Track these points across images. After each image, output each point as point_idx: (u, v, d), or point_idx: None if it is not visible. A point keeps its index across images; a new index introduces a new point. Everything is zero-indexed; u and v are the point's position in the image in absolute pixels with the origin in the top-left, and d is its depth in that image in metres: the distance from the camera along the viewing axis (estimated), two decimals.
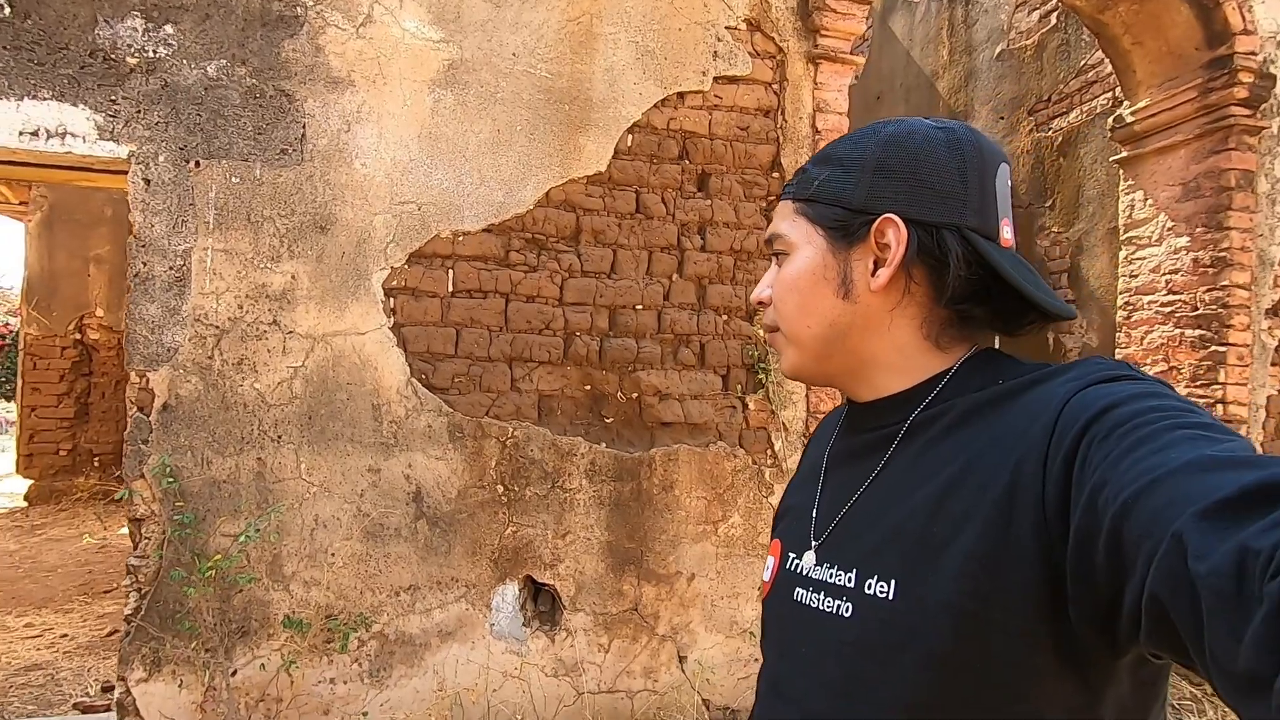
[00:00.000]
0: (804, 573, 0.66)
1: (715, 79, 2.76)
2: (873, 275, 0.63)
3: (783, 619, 0.67)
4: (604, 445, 2.67)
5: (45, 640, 3.78)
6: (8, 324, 10.37)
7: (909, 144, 0.62)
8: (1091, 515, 0.45)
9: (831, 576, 0.62)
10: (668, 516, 2.72)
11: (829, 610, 0.61)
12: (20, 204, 6.67)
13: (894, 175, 0.62)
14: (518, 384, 2.60)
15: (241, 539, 2.29)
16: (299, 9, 2.38)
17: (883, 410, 0.66)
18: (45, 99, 2.20)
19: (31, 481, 6.53)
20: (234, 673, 2.32)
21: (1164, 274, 3.60)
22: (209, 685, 2.29)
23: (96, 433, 6.68)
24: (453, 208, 2.51)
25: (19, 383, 6.63)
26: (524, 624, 2.59)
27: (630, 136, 2.68)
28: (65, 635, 3.84)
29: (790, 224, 0.68)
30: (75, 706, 2.93)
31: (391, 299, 2.47)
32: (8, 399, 10.18)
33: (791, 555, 0.69)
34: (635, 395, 2.72)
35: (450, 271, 2.53)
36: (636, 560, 2.68)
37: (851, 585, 0.60)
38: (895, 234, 0.61)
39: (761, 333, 2.74)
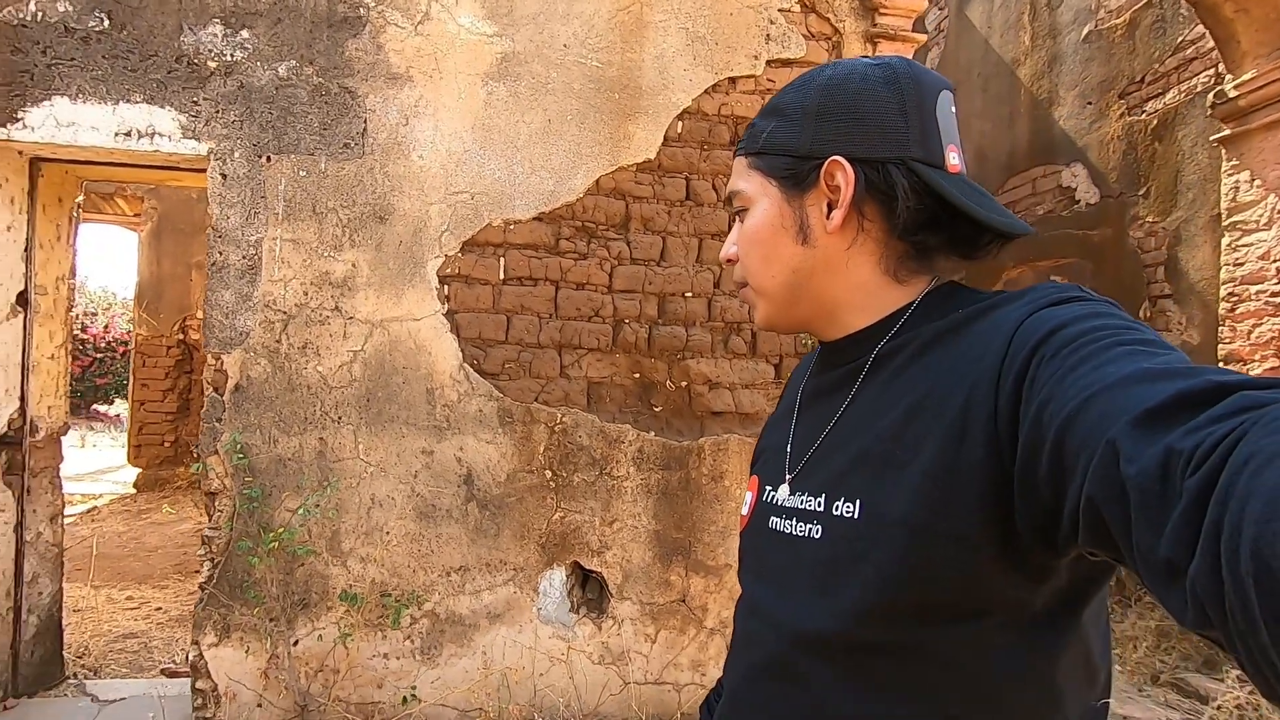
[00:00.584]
0: (778, 503, 0.69)
1: (768, 62, 2.71)
2: (827, 218, 0.65)
3: (759, 548, 0.71)
4: (652, 433, 2.65)
5: (142, 612, 4.08)
6: (128, 331, 11.36)
7: (847, 85, 0.64)
8: (1037, 429, 0.48)
9: (803, 503, 0.66)
10: (717, 507, 2.67)
11: (801, 534, 0.65)
12: (134, 216, 7.30)
13: (835, 118, 0.64)
14: (567, 370, 2.62)
15: (301, 514, 2.39)
16: (361, 10, 2.49)
17: (849, 346, 0.69)
18: (137, 102, 2.39)
19: (139, 470, 7.09)
20: (295, 642, 2.42)
21: (1274, 261, 3.27)
22: (272, 653, 2.40)
23: (195, 426, 7.18)
24: (504, 197, 2.56)
25: (131, 380, 7.22)
26: (571, 610, 2.59)
27: (680, 123, 2.66)
28: (159, 608, 4.13)
29: (745, 180, 0.70)
30: (162, 671, 3.14)
31: (445, 286, 2.55)
32: (108, 401, 11.12)
33: (768, 488, 0.72)
34: (685, 383, 2.69)
35: (502, 259, 2.58)
36: (684, 550, 2.64)
37: (820, 509, 0.63)
38: (843, 175, 0.63)
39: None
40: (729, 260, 0.74)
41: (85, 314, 12.06)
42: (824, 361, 0.73)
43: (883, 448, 0.60)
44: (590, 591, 2.68)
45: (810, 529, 0.64)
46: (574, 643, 2.57)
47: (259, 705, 2.39)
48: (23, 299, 2.57)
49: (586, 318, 2.63)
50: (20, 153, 2.48)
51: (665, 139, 2.66)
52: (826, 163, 0.64)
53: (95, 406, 11.96)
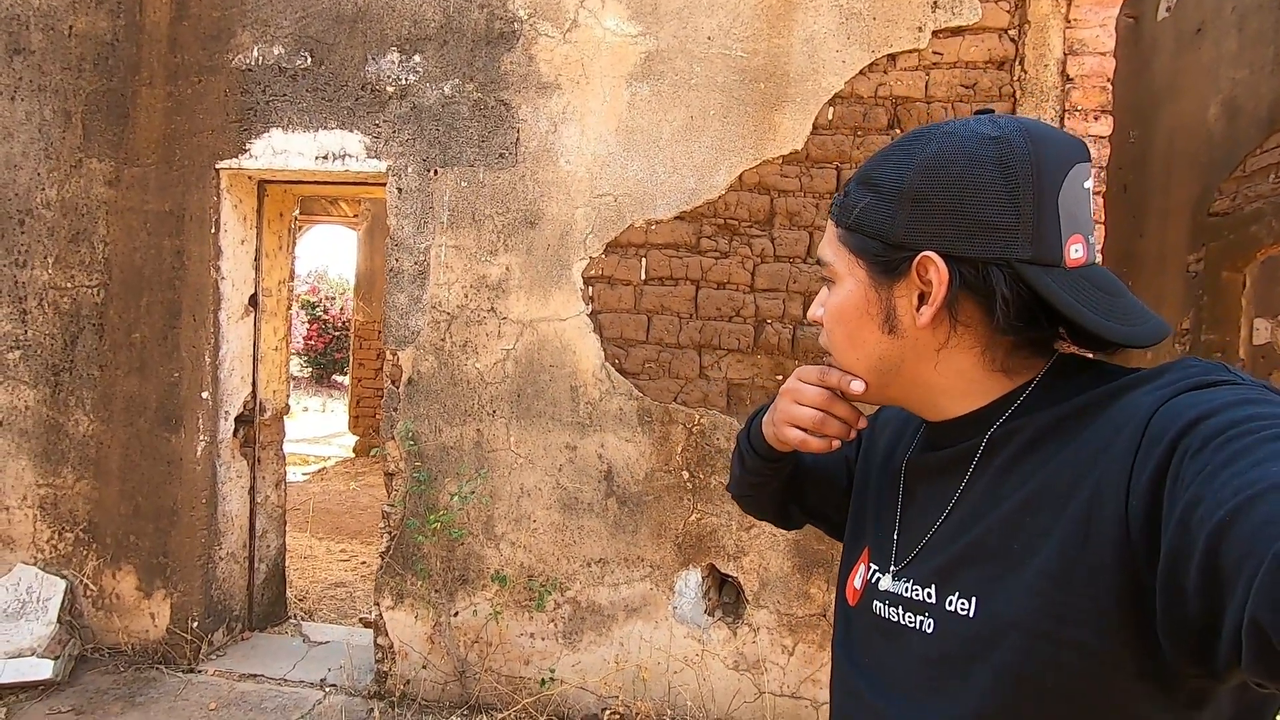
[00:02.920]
0: (880, 585, 0.67)
1: (934, 33, 2.43)
2: (917, 311, 0.60)
3: (865, 629, 0.68)
4: None
5: (351, 565, 4.73)
6: (343, 310, 13.18)
7: (951, 169, 0.57)
8: (1184, 534, 0.43)
9: (908, 591, 0.62)
10: None
11: (910, 625, 0.61)
12: (354, 217, 8.38)
13: (934, 207, 0.57)
14: (706, 371, 2.59)
15: (460, 498, 2.62)
16: (515, 24, 2.61)
17: (959, 427, 0.63)
18: (332, 128, 2.72)
19: (358, 438, 8.20)
20: (455, 614, 2.67)
21: None
22: (436, 621, 2.67)
23: None
24: (646, 197, 2.57)
25: (351, 359, 8.36)
26: (706, 612, 2.59)
27: (831, 109, 2.49)
28: (364, 562, 4.76)
29: (834, 251, 0.65)
30: (360, 620, 3.62)
31: (589, 287, 2.62)
32: (344, 373, 12.90)
33: (875, 567, 0.69)
34: None
35: (643, 260, 2.60)
36: (827, 563, 2.52)
37: (933, 601, 0.60)
38: (936, 273, 0.58)
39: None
40: (814, 321, 0.70)
41: (326, 298, 14.14)
42: (930, 438, 0.68)
43: (998, 541, 0.56)
44: (726, 596, 2.65)
45: (921, 621, 0.60)
46: (708, 645, 2.56)
47: (425, 666, 2.68)
48: (253, 300, 3.06)
49: (727, 318, 2.58)
50: (249, 177, 2.93)
51: (814, 127, 2.50)
52: (919, 257, 0.58)
53: (334, 377, 14.02)
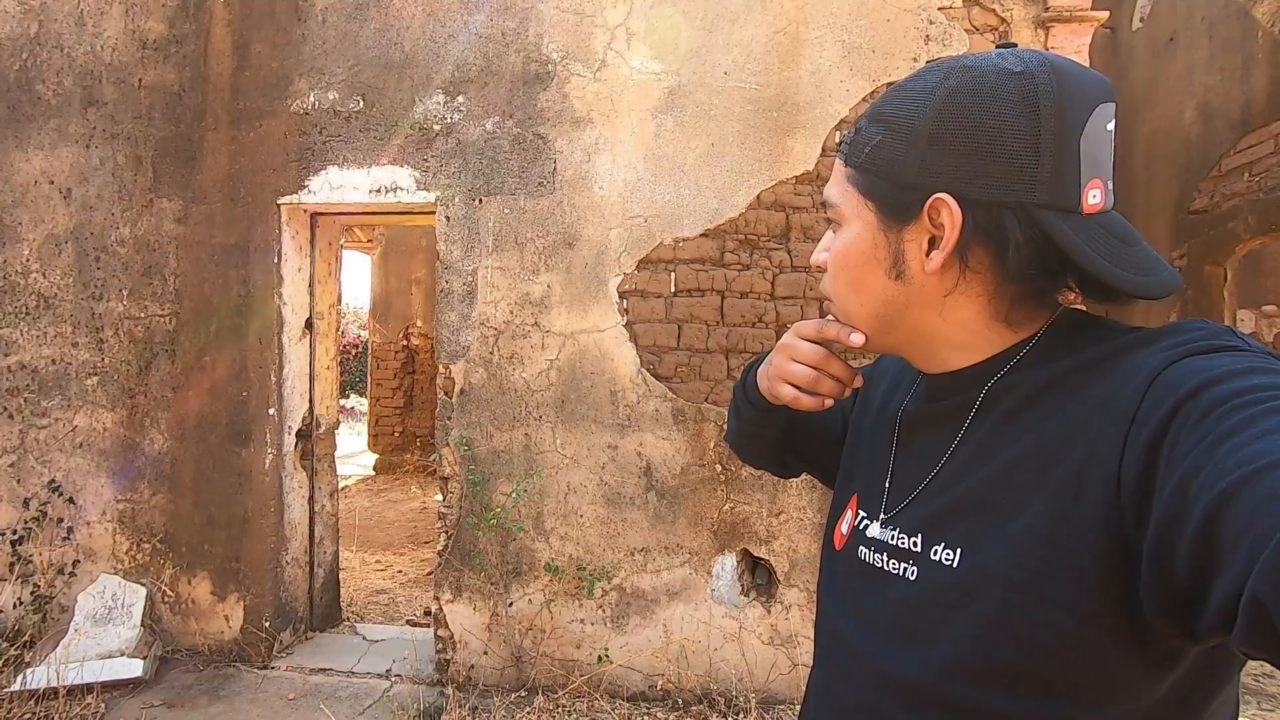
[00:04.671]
0: (867, 532, 0.67)
1: (928, 63, 2.71)
2: (927, 256, 0.58)
3: (849, 574, 0.68)
4: None
5: (388, 574, 4.95)
6: (359, 336, 13.43)
7: (970, 107, 0.54)
8: (1180, 501, 0.42)
9: (894, 539, 0.63)
10: None
11: (894, 571, 0.61)
12: (368, 241, 8.66)
13: (951, 146, 0.55)
14: (733, 373, 2.85)
15: (512, 496, 2.86)
16: (549, 65, 2.90)
17: (958, 380, 0.62)
18: (384, 164, 2.99)
19: (377, 456, 8.43)
20: (510, 604, 2.90)
21: None
22: (493, 611, 2.90)
23: (419, 419, 8.40)
24: (673, 217, 2.84)
25: (368, 380, 8.61)
26: (741, 593, 2.82)
27: (838, 133, 2.76)
28: (400, 571, 4.99)
29: (842, 192, 0.63)
30: (407, 621, 3.85)
31: (624, 300, 2.88)
32: (360, 394, 13.15)
33: (863, 514, 0.69)
34: None
35: (672, 274, 2.87)
36: None
37: (918, 549, 0.60)
38: (949, 217, 0.55)
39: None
40: (818, 267, 0.67)
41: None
42: (929, 389, 0.67)
43: (987, 495, 0.55)
44: (759, 577, 2.89)
45: (905, 568, 0.60)
46: (745, 623, 2.80)
47: (484, 653, 2.91)
48: (308, 323, 3.32)
49: (751, 324, 2.84)
50: (305, 210, 3.20)
51: (823, 150, 2.78)
52: (931, 199, 0.56)
53: (344, 402, 14.26)
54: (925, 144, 0.56)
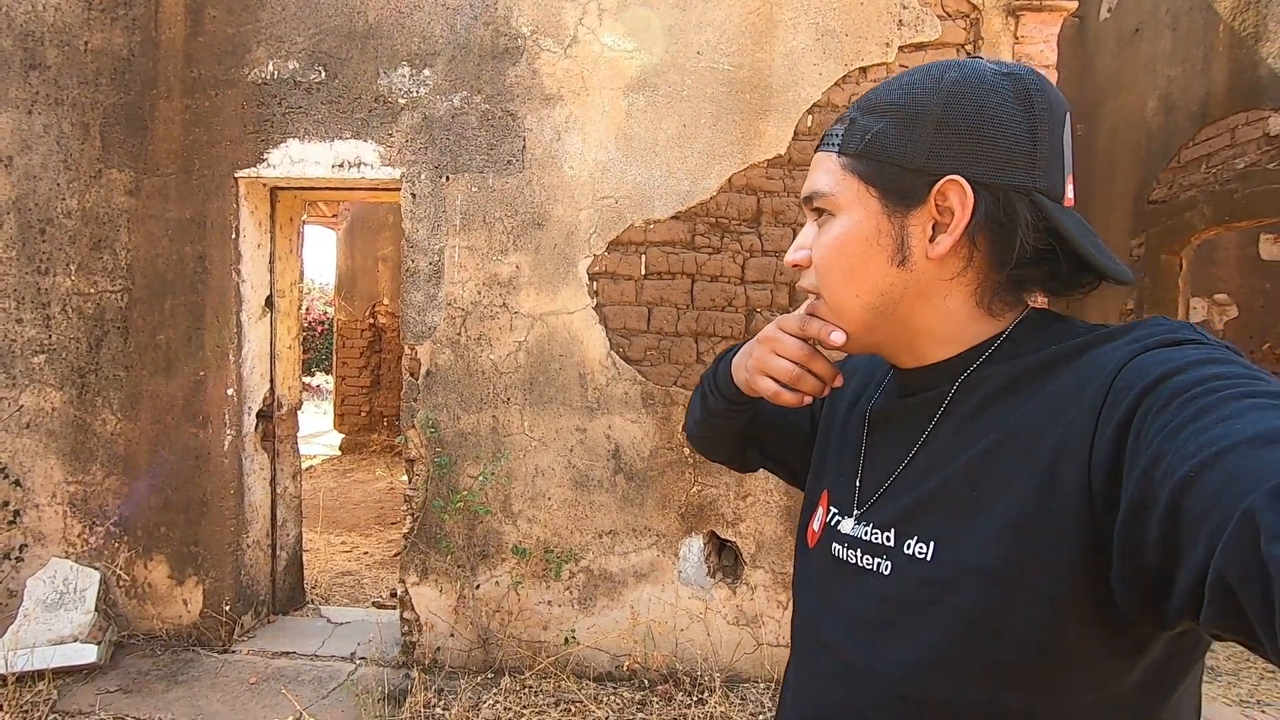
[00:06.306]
0: (840, 528, 0.67)
1: (900, 48, 2.72)
2: (931, 241, 0.59)
3: (823, 571, 0.68)
4: None
5: (354, 555, 4.90)
6: (325, 313, 13.16)
7: (975, 95, 0.57)
8: (1146, 487, 0.43)
9: (867, 535, 0.63)
10: None
11: (868, 567, 0.62)
12: (332, 216, 8.44)
13: (959, 131, 0.56)
14: (703, 357, 2.85)
15: (480, 479, 2.84)
16: (519, 40, 2.82)
17: (930, 374, 0.64)
18: (347, 138, 2.89)
19: (343, 435, 8.30)
20: (477, 586, 2.89)
21: None
22: (460, 593, 2.89)
23: (385, 399, 8.28)
24: (645, 199, 2.81)
25: (334, 358, 8.44)
26: (708, 574, 2.85)
27: (810, 117, 2.76)
28: (366, 552, 4.93)
29: (837, 181, 0.62)
30: (373, 603, 3.82)
31: (594, 282, 2.85)
32: (326, 372, 12.93)
33: (834, 510, 0.70)
34: None
35: (643, 256, 2.84)
36: None
37: (891, 544, 0.60)
38: (960, 198, 0.57)
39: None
40: (795, 265, 0.66)
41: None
42: (900, 383, 0.68)
43: (960, 488, 0.56)
44: (726, 559, 2.92)
45: (879, 563, 0.61)
46: (711, 604, 2.84)
47: (451, 635, 2.90)
48: (269, 301, 3.23)
49: (720, 308, 2.84)
50: (264, 184, 3.09)
51: (795, 133, 2.77)
52: (942, 181, 0.57)
53: (308, 379, 13.97)
54: (934, 129, 0.57)
